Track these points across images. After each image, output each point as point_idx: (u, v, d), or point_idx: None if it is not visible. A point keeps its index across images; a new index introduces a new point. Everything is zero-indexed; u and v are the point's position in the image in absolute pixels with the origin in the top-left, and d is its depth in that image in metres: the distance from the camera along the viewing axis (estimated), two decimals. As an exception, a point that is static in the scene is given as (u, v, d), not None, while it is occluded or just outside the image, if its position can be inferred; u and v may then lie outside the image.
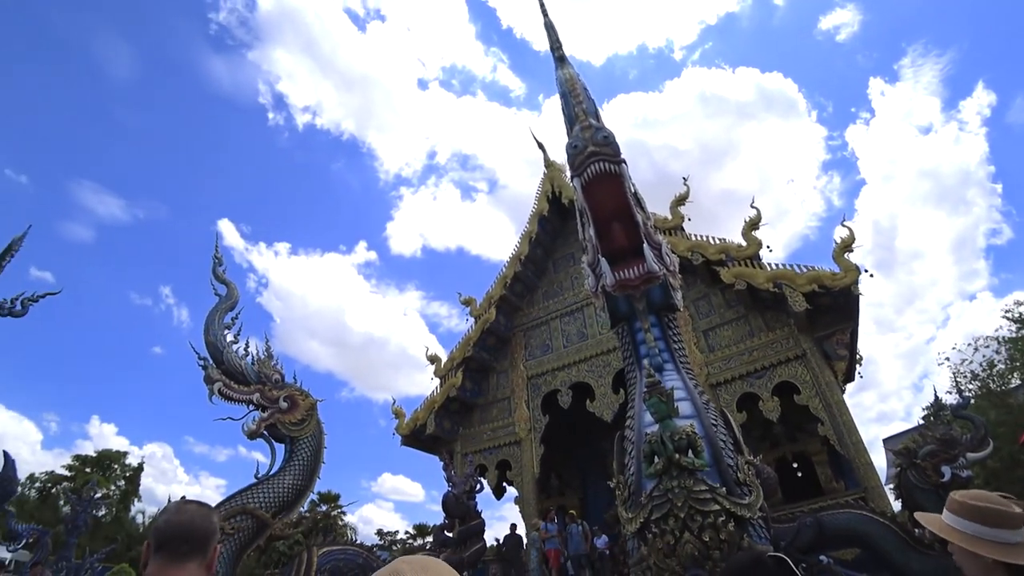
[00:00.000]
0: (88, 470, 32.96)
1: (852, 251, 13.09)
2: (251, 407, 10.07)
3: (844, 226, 13.27)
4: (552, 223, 18.16)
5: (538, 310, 17.62)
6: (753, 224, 14.41)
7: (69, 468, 33.71)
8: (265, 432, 9.91)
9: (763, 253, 14.28)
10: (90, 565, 13.25)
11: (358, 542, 10.09)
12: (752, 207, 14.51)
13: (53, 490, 32.50)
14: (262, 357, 10.61)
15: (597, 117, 6.56)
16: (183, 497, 1.86)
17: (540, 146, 19.01)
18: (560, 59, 7.55)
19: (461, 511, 12.30)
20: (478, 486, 13.13)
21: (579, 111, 6.13)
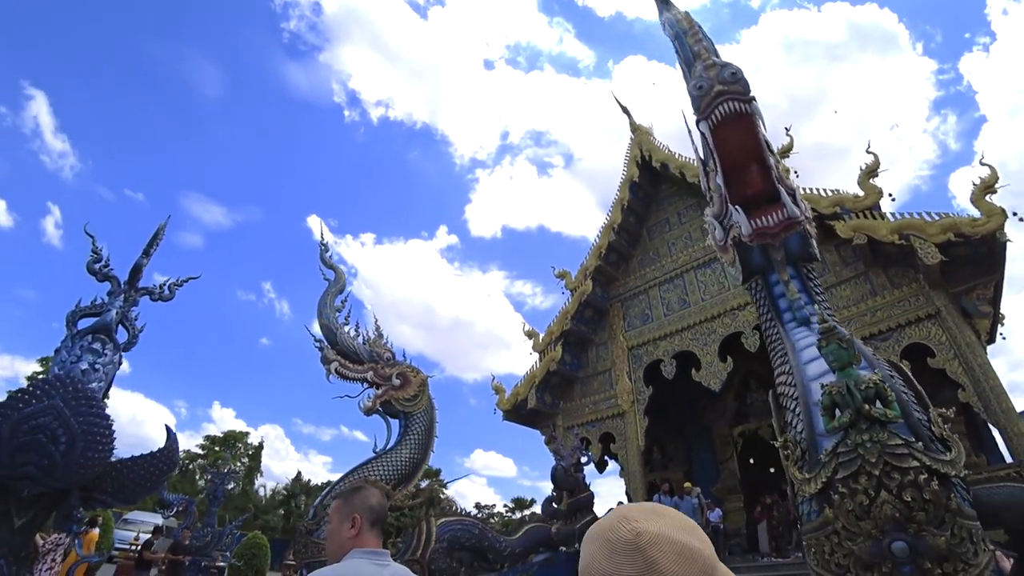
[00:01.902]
0: (217, 448, 36.20)
1: (995, 192, 11.65)
2: (365, 385, 10.52)
3: (984, 164, 11.80)
4: (643, 188, 17.56)
5: (635, 279, 17.18)
6: (871, 171, 13.21)
7: (201, 447, 37.39)
8: (380, 408, 10.33)
9: (883, 203, 13.10)
10: (229, 531, 14.54)
11: (473, 513, 10.31)
12: (868, 152, 13.30)
13: (190, 466, 36.05)
14: (372, 337, 11.01)
15: (717, 55, 6.02)
16: (364, 478, 1.97)
17: (624, 110, 18.38)
18: (666, 1, 7.02)
19: (570, 483, 12.33)
20: (585, 458, 13.12)
21: (700, 49, 5.62)
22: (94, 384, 3.82)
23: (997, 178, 11.63)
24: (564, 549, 11.22)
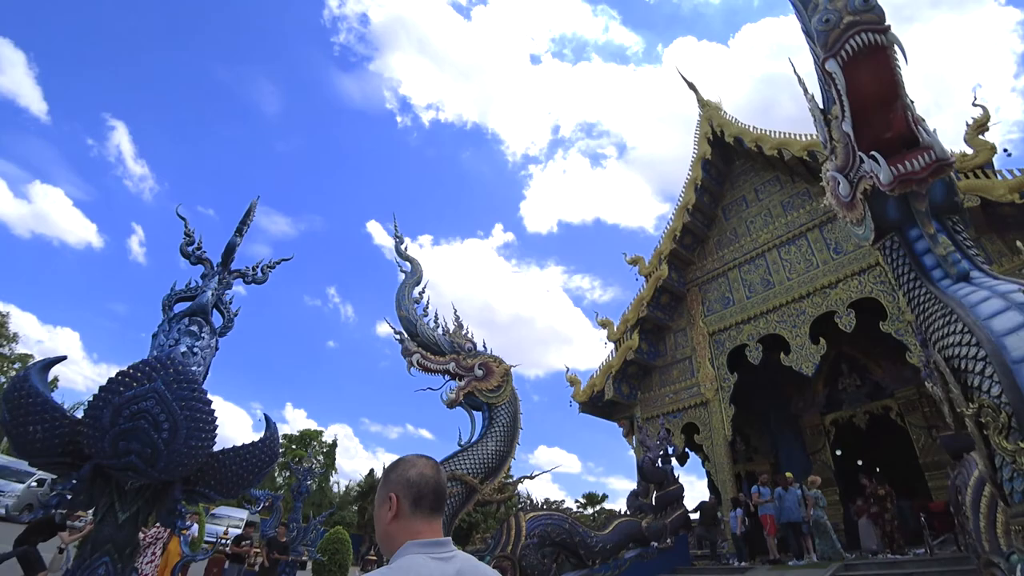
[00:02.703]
0: (294, 447, 37.11)
1: None
2: (447, 377, 10.15)
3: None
4: (716, 166, 16.57)
5: (712, 261, 16.21)
6: (980, 125, 11.84)
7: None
8: (463, 400, 9.94)
9: (997, 160, 11.74)
10: (314, 527, 14.55)
11: (564, 508, 9.77)
12: (975, 105, 11.92)
13: (270, 464, 37.18)
14: (452, 328, 10.64)
15: None
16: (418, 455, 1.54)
17: (691, 86, 17.45)
18: None
19: (659, 476, 11.66)
20: (672, 450, 12.37)
21: None
22: (194, 368, 3.50)
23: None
24: (655, 545, 10.54)
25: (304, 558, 14.02)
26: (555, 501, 10.07)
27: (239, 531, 15.99)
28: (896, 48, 4.80)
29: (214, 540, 16.50)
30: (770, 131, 14.85)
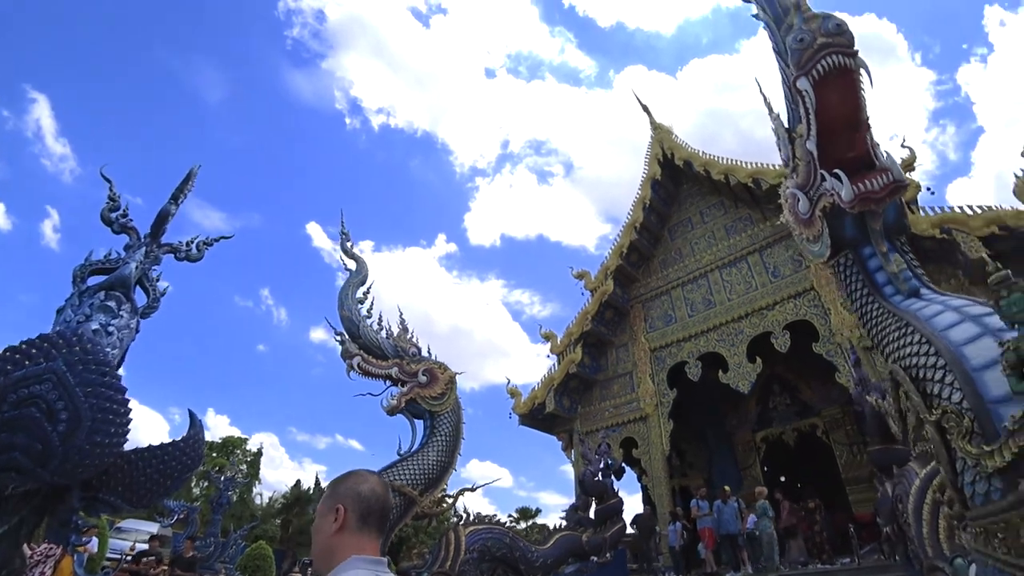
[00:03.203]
0: (215, 455, 34.79)
1: (1039, 185, 11.11)
2: (388, 382, 9.58)
3: (1024, 156, 11.25)
4: (665, 188, 16.83)
5: (656, 279, 16.37)
6: (907, 165, 12.54)
7: (199, 453, 35.83)
8: (405, 407, 9.39)
9: (922, 197, 12.43)
10: (234, 541, 13.41)
11: (503, 522, 9.35)
12: (903, 147, 12.62)
13: (187, 473, 34.57)
14: (397, 331, 10.09)
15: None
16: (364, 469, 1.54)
17: (644, 108, 17.70)
18: None
19: (599, 489, 11.42)
20: (612, 463, 12.20)
21: (800, 0, 4.87)
22: (107, 349, 2.90)
23: (1041, 170, 11.09)
24: (595, 559, 10.28)
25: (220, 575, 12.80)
26: (489, 515, 9.63)
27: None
28: (863, 72, 4.90)
29: (118, 558, 14.88)
30: (718, 157, 15.23)
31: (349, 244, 10.50)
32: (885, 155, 4.95)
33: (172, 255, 3.82)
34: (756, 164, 14.39)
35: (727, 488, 11.25)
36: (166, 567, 10.51)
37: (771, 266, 14.21)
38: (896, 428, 5.95)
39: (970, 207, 11.70)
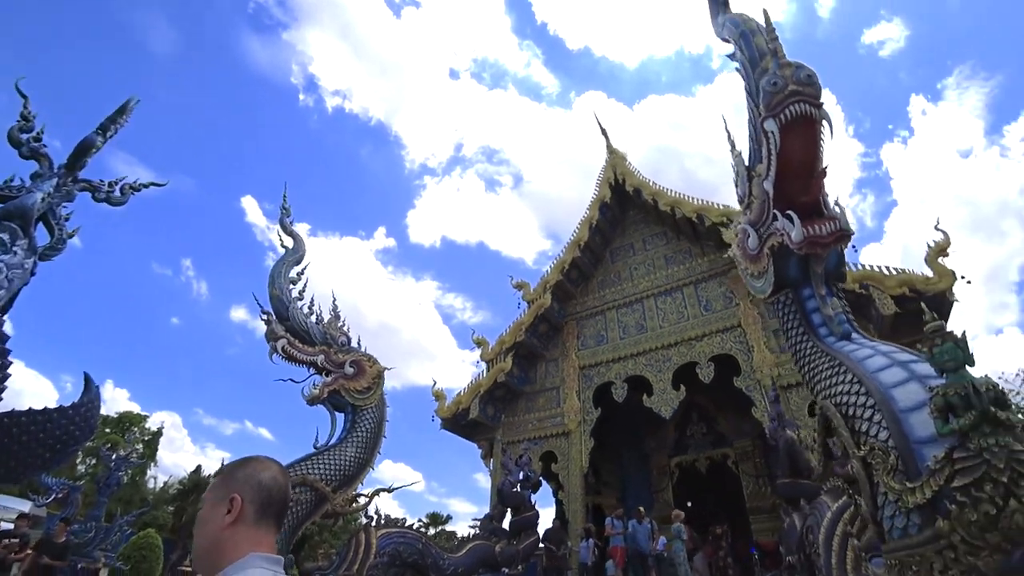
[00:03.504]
0: (108, 431, 32.12)
1: (947, 255, 12.07)
2: (312, 370, 9.03)
3: (938, 229, 12.22)
4: (613, 211, 17.08)
5: (593, 299, 16.51)
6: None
7: (89, 426, 32.81)
8: (327, 398, 8.87)
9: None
10: (119, 528, 12.21)
11: (415, 526, 8.97)
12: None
13: (72, 447, 31.60)
14: (328, 318, 9.56)
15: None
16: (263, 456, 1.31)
17: (603, 132, 17.96)
18: (724, 3, 6.53)
19: (516, 500, 11.25)
20: (533, 476, 12.05)
21: (777, 46, 5.16)
22: (-10, 287, 2.40)
23: (950, 243, 12.02)
24: (506, 571, 10.05)
25: (99, 565, 11.46)
26: (401, 519, 9.20)
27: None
28: (825, 124, 5.13)
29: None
30: (667, 189, 15.60)
31: (289, 220, 9.89)
32: (835, 205, 5.22)
33: (90, 194, 3.30)
34: (702, 201, 14.83)
35: (642, 509, 11.37)
36: (31, 551, 9.23)
37: (704, 299, 14.63)
38: (815, 461, 6.13)
39: (887, 268, 12.48)
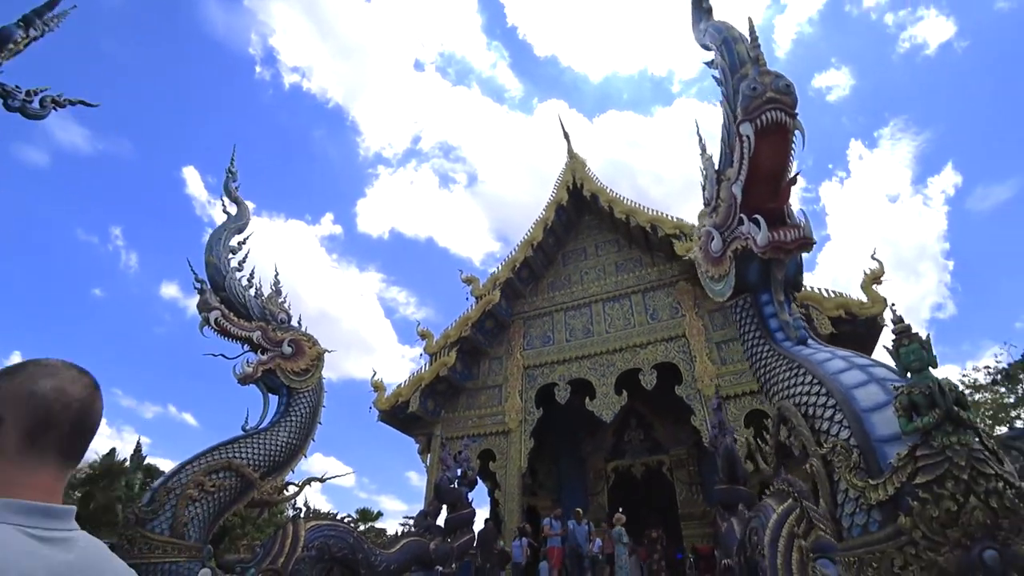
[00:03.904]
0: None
1: (880, 283, 12.64)
2: (247, 347, 8.34)
3: (874, 259, 12.85)
4: (568, 214, 16.98)
5: (542, 300, 16.32)
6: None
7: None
8: (261, 377, 8.20)
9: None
10: None
11: (346, 518, 8.41)
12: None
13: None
14: (269, 292, 8.89)
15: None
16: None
17: (565, 135, 17.87)
18: (708, 11, 6.56)
19: (453, 497, 10.84)
20: (471, 473, 11.67)
21: (759, 54, 5.34)
22: None
23: (883, 272, 12.60)
24: (440, 569, 9.61)
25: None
26: (332, 512, 8.59)
27: None
28: (798, 133, 5.17)
29: None
30: (623, 198, 15.63)
31: (235, 186, 9.13)
32: (799, 214, 5.25)
33: (1, 101, 2.70)
34: (656, 212, 14.95)
35: (580, 510, 11.21)
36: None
37: (651, 308, 14.71)
38: (764, 463, 6.07)
39: (826, 290, 12.94)
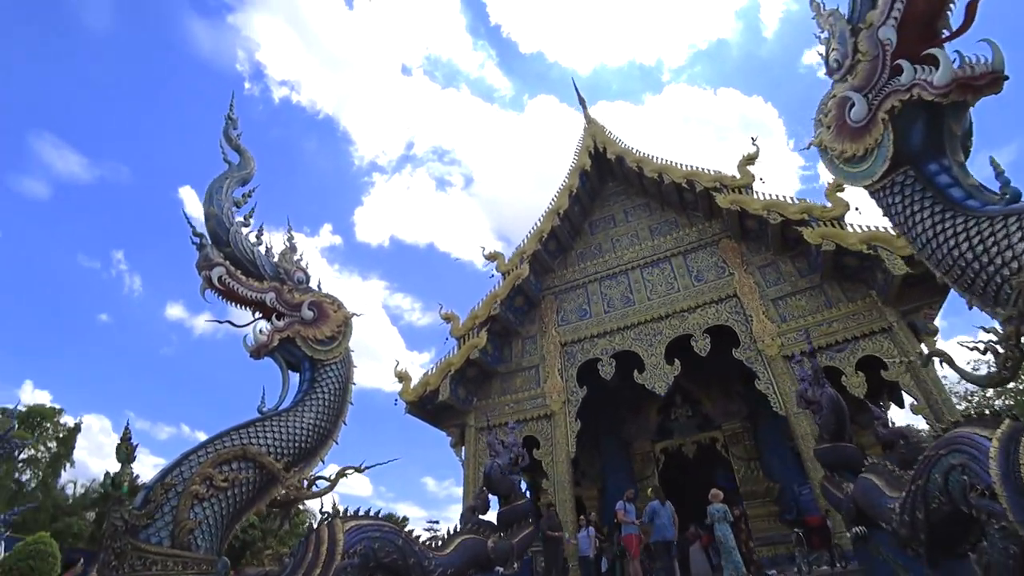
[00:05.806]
0: (18, 427, 27.16)
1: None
2: (258, 313, 6.49)
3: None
4: (592, 181, 15.30)
5: (573, 272, 14.60)
6: (749, 159, 12.70)
7: (-7, 426, 27.63)
8: (278, 348, 6.34)
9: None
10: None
11: (393, 518, 6.51)
12: (753, 143, 12.61)
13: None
14: (283, 248, 7.08)
15: None
16: None
17: (581, 101, 16.27)
18: None
19: (507, 487, 9.01)
20: (523, 459, 9.81)
21: None
22: None
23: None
24: (500, 570, 7.76)
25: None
26: (374, 509, 6.66)
27: None
28: None
29: None
30: (652, 156, 13.95)
31: (236, 133, 7.29)
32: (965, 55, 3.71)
33: None
34: (689, 167, 13.26)
35: (658, 486, 9.39)
36: None
37: (695, 270, 13.00)
38: (1005, 369, 4.25)
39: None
